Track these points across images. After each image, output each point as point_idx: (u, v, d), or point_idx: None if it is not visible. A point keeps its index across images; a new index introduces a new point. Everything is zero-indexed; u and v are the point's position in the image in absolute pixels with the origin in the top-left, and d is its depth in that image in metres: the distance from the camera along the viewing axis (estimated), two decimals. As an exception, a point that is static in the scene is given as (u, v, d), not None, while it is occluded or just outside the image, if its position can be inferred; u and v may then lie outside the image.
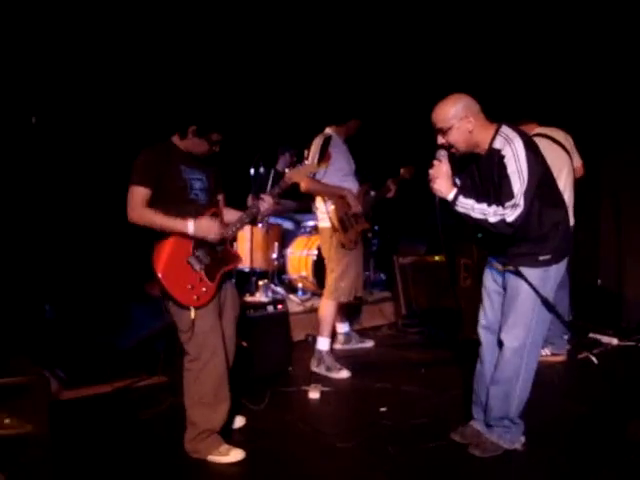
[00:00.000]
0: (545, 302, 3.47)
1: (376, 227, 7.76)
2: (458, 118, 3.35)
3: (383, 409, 4.36)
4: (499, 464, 3.56)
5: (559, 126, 5.41)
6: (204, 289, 3.56)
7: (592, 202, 6.66)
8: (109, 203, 6.25)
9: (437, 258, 7.16)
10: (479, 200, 3.33)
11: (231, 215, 3.92)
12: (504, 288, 3.62)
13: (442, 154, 3.41)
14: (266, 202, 3.85)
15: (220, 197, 4.00)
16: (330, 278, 5.31)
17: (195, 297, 3.51)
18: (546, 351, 5.34)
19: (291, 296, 7.06)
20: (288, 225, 7.84)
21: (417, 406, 4.45)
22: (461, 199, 3.34)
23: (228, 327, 3.82)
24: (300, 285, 7.22)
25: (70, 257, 6.08)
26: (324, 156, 5.02)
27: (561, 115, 5.54)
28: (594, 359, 5.29)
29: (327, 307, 5.31)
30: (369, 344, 6.19)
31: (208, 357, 3.56)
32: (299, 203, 7.59)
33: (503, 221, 3.23)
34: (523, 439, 3.72)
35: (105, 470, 3.52)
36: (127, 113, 6.67)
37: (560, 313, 3.73)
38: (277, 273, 7.33)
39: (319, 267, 6.90)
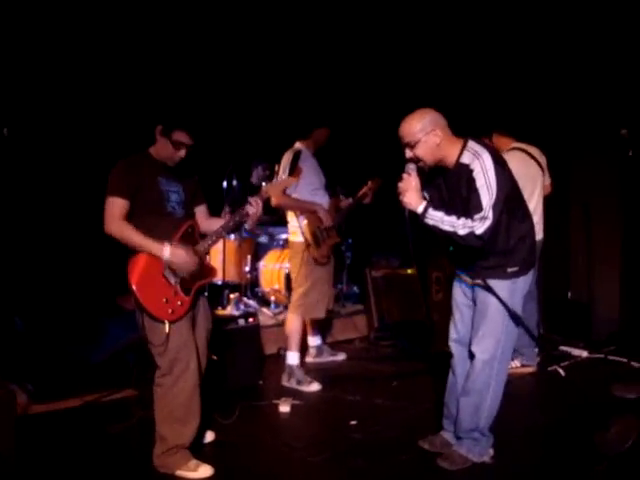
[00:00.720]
0: (513, 314, 3.50)
1: (349, 240, 7.77)
2: (425, 132, 3.38)
3: (354, 422, 4.35)
4: (468, 477, 3.57)
5: (529, 137, 5.51)
6: (179, 303, 3.51)
7: (562, 214, 6.72)
8: (80, 215, 6.26)
9: (409, 271, 7.18)
10: (448, 213, 3.36)
11: (216, 224, 3.85)
12: (474, 301, 3.67)
13: (411, 167, 3.45)
14: (254, 205, 3.75)
15: (201, 208, 3.95)
16: (296, 293, 5.30)
17: (170, 311, 3.45)
18: (516, 362, 5.38)
19: (264, 309, 7.04)
20: (261, 238, 7.84)
21: (388, 419, 4.46)
22: (430, 212, 3.37)
23: (200, 341, 3.75)
24: (273, 298, 7.21)
25: (40, 269, 6.03)
26: (294, 171, 4.98)
27: (529, 125, 5.60)
28: (561, 371, 5.34)
29: (293, 322, 5.29)
30: (341, 357, 6.14)
31: (180, 372, 3.49)
32: (271, 216, 7.61)
33: (472, 233, 3.27)
34: (492, 452, 3.74)
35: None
36: (102, 123, 6.62)
37: (528, 325, 3.76)
38: (250, 286, 7.32)
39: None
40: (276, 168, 5.34)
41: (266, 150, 7.07)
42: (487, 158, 3.31)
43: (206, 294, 4.04)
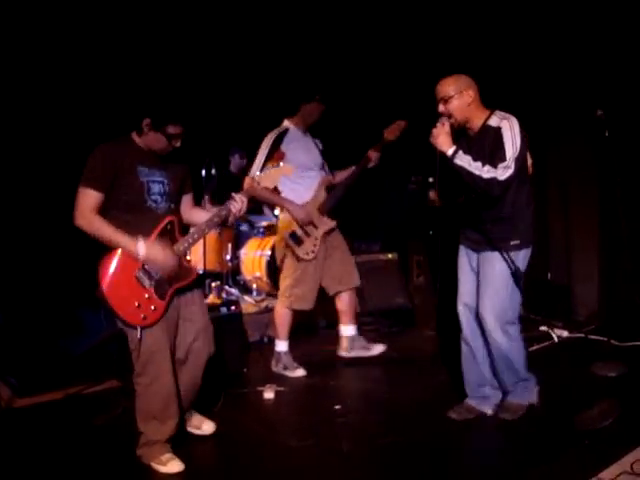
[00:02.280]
0: (516, 283, 3.82)
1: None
2: (459, 90, 3.76)
3: (338, 407, 4.37)
4: (452, 455, 3.61)
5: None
6: (153, 307, 3.34)
7: (540, 196, 6.74)
8: (58, 205, 6.20)
9: (390, 256, 7.20)
10: (475, 160, 3.65)
11: (199, 216, 3.69)
12: (478, 268, 3.96)
13: (444, 119, 3.79)
14: (238, 202, 3.56)
15: (187, 197, 3.76)
16: (283, 284, 5.19)
17: (142, 316, 3.29)
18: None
19: (246, 297, 7.05)
20: (242, 226, 7.84)
21: (371, 403, 4.49)
22: (461, 153, 3.67)
23: (197, 362, 3.66)
24: (254, 286, 7.23)
25: (20, 262, 5.99)
26: (273, 155, 4.90)
27: (505, 106, 5.63)
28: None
29: (281, 313, 5.21)
30: (378, 349, 5.57)
31: (154, 374, 3.41)
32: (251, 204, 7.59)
33: (495, 179, 3.58)
34: (537, 389, 4.10)
35: (56, 479, 3.49)
36: (78, 109, 6.54)
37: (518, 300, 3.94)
38: (231, 274, 7.32)
39: (273, 267, 6.91)
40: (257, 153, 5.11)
41: (243, 136, 7.06)
42: (515, 122, 3.70)
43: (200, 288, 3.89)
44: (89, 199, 3.25)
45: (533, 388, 4.09)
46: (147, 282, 3.33)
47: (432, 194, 5.61)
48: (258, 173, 3.84)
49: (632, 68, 5.86)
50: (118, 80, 6.55)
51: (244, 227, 7.86)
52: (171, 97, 3.53)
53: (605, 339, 5.57)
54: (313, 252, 5.08)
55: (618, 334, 5.58)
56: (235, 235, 7.51)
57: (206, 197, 6.88)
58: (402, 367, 5.29)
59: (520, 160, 3.64)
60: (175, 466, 3.44)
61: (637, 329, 5.52)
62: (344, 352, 5.48)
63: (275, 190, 4.95)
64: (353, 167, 5.29)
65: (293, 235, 5.05)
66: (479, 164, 3.62)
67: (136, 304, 3.27)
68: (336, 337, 5.60)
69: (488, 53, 6.56)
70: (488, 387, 4.10)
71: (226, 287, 6.97)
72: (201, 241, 6.63)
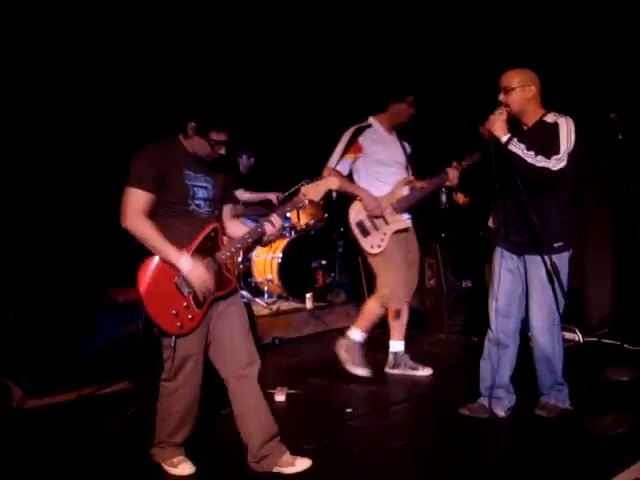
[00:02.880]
0: (560, 285, 3.86)
1: (341, 228, 7.78)
2: (522, 84, 3.84)
3: (349, 410, 4.37)
4: (464, 459, 3.60)
5: None
6: (190, 316, 3.23)
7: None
8: (71, 208, 6.25)
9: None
10: (528, 148, 3.72)
11: (236, 229, 3.57)
12: (523, 271, 4.01)
13: (503, 107, 3.86)
14: (274, 223, 3.41)
15: (227, 207, 3.60)
16: (376, 281, 5.11)
17: (179, 325, 3.20)
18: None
19: (257, 299, 7.06)
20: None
21: (383, 406, 4.48)
22: (515, 141, 3.74)
23: (236, 339, 3.45)
24: (266, 288, 7.23)
25: (32, 263, 6.01)
26: (350, 147, 4.90)
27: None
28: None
29: (371, 307, 5.10)
30: (425, 372, 5.18)
31: (183, 381, 3.34)
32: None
33: (547, 169, 3.68)
34: (568, 401, 4.12)
35: (68, 479, 3.49)
36: (120, 109, 6.57)
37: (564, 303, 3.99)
38: (243, 277, 7.33)
39: (284, 270, 6.92)
40: None
41: (250, 137, 7.05)
42: (572, 121, 3.82)
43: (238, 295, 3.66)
44: (138, 200, 3.14)
45: (566, 393, 4.12)
46: (186, 290, 3.22)
47: (460, 196, 5.61)
48: (303, 183, 3.67)
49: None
50: (168, 82, 6.55)
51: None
52: (217, 103, 3.43)
53: (618, 343, 5.53)
54: (379, 246, 4.97)
55: (631, 338, 5.55)
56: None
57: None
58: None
59: (571, 159, 3.73)
60: (186, 468, 3.45)
61: (651, 333, 5.50)
62: (388, 368, 5.30)
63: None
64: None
65: (360, 224, 5.01)
66: (532, 153, 3.69)
67: (173, 312, 3.19)
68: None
69: (498, 55, 6.54)
70: (503, 390, 4.11)
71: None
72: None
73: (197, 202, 3.29)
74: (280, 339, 6.27)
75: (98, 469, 3.57)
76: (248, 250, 7.40)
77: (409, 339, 5.69)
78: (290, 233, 7.43)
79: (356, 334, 5.12)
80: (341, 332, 6.66)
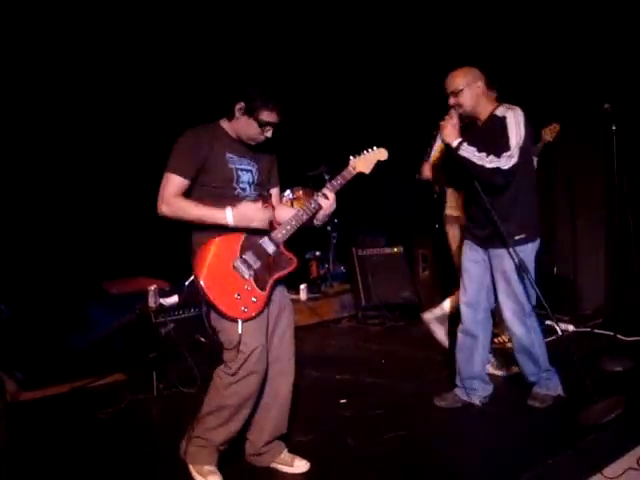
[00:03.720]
0: (527, 276, 3.85)
1: (335, 220, 7.78)
2: (468, 83, 3.84)
3: (343, 401, 4.38)
4: (458, 450, 3.60)
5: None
6: (253, 299, 3.11)
7: (546, 190, 6.72)
8: (64, 200, 6.22)
9: (395, 249, 7.19)
10: (479, 150, 3.71)
11: (285, 213, 3.41)
12: (489, 263, 4.02)
13: (453, 111, 3.88)
14: (329, 198, 3.31)
15: (274, 191, 3.52)
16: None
17: (242, 308, 3.07)
18: (504, 337, 5.42)
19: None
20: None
21: (377, 397, 4.47)
22: (465, 145, 3.73)
23: (283, 338, 3.43)
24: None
25: (25, 256, 5.99)
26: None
27: (514, 99, 5.59)
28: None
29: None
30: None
31: (244, 374, 3.12)
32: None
33: (498, 168, 3.66)
34: (560, 387, 4.15)
35: (62, 472, 3.49)
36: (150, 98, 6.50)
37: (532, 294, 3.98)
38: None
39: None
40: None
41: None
42: (520, 112, 3.78)
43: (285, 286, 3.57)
44: (173, 185, 3.08)
45: (556, 379, 4.15)
46: (246, 272, 3.12)
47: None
48: (351, 158, 3.39)
49: (639, 61, 5.84)
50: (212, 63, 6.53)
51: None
52: (269, 82, 3.26)
53: (611, 334, 5.53)
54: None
55: (624, 329, 5.56)
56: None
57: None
58: (407, 361, 5.28)
59: (524, 151, 3.72)
60: None
61: (644, 324, 5.52)
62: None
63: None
64: None
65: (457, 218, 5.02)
66: (483, 154, 3.68)
67: (236, 295, 3.08)
68: (341, 331, 5.58)
69: (494, 48, 6.54)
70: (478, 380, 4.18)
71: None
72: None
73: (242, 186, 3.22)
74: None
75: (92, 461, 3.58)
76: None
77: (402, 330, 5.72)
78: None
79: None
80: (335, 323, 6.73)
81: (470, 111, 3.89)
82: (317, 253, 7.39)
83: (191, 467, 3.26)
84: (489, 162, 3.66)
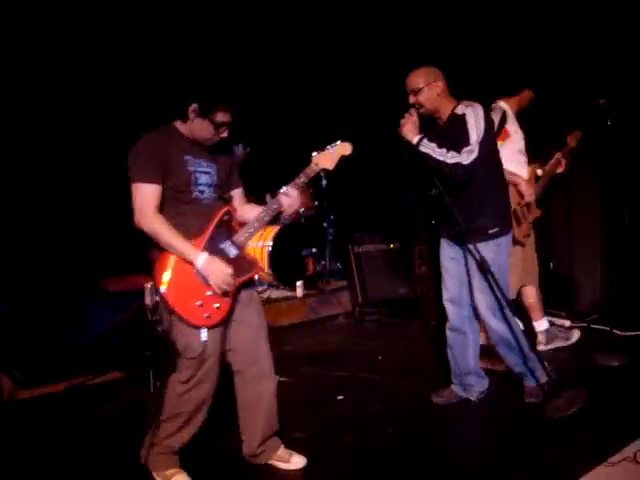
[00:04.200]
0: (501, 269, 3.89)
1: (331, 216, 7.79)
2: (428, 82, 3.84)
3: (340, 397, 4.38)
4: (456, 444, 3.61)
5: None
6: (217, 305, 3.06)
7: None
8: (61, 198, 6.22)
9: (392, 246, 7.20)
10: (440, 147, 3.74)
11: (252, 211, 3.34)
12: (464, 260, 4.01)
13: (413, 110, 3.90)
14: (290, 196, 3.27)
15: (238, 192, 3.46)
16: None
17: (206, 315, 3.02)
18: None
19: (247, 288, 7.04)
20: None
21: (374, 393, 4.48)
22: (425, 141, 3.78)
23: (261, 342, 3.36)
24: (256, 276, 7.20)
25: (22, 253, 5.99)
26: (500, 133, 4.77)
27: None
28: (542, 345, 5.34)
29: (530, 292, 5.20)
30: (575, 336, 5.36)
31: (197, 382, 3.12)
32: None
33: (459, 164, 3.66)
34: (549, 366, 4.02)
35: (60, 469, 3.48)
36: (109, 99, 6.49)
37: (507, 288, 3.98)
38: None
39: (275, 258, 6.91)
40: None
41: (246, 128, 7.02)
42: (479, 107, 3.78)
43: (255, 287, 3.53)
44: (148, 196, 3.00)
45: (540, 366, 4.07)
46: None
47: None
48: (314, 154, 3.33)
49: (635, 56, 5.84)
50: (166, 65, 6.45)
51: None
52: (222, 82, 3.25)
53: (607, 329, 5.56)
54: (529, 235, 5.05)
55: (620, 324, 5.57)
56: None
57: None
58: (404, 357, 5.29)
59: (485, 146, 3.71)
60: None
61: (640, 319, 5.53)
62: (542, 346, 5.21)
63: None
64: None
65: (514, 212, 4.88)
66: (444, 150, 3.71)
67: (198, 303, 3.02)
68: (338, 328, 5.59)
69: (489, 44, 6.54)
70: (473, 376, 4.18)
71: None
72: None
73: (200, 188, 3.15)
74: (270, 327, 6.25)
75: (90, 459, 3.57)
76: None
77: (399, 326, 5.72)
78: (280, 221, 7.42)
79: (542, 325, 5.23)
80: (332, 319, 6.74)
81: (430, 110, 3.90)
82: (313, 250, 7.38)
83: (155, 474, 3.25)
84: (450, 158, 3.68)
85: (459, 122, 3.76)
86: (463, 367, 4.16)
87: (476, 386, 4.18)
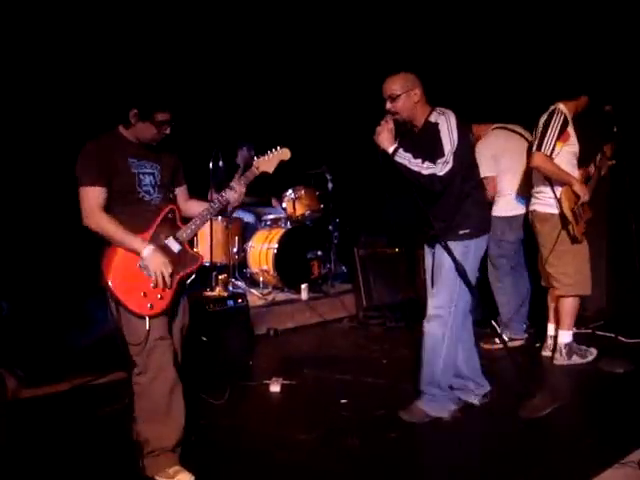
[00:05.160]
0: (464, 274, 3.79)
1: (336, 219, 7.79)
2: (406, 89, 3.82)
3: (344, 401, 4.37)
4: (460, 448, 3.60)
5: (511, 117, 5.63)
6: (159, 296, 3.24)
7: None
8: (64, 198, 6.21)
9: (397, 250, 7.19)
10: (415, 157, 3.76)
11: (196, 207, 3.57)
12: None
13: (389, 116, 3.88)
14: (236, 191, 3.49)
15: (181, 189, 3.63)
16: (559, 270, 5.04)
17: (149, 305, 3.20)
18: (504, 336, 5.44)
19: (252, 290, 7.05)
20: (249, 219, 7.84)
21: (378, 397, 4.48)
22: (401, 151, 3.79)
23: (174, 337, 3.46)
24: (261, 279, 7.23)
25: (26, 253, 6.00)
26: (561, 135, 4.79)
27: (511, 104, 5.60)
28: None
29: (569, 302, 5.07)
30: (592, 356, 5.12)
31: (157, 369, 3.25)
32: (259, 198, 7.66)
33: (434, 175, 3.68)
34: (453, 407, 4.00)
35: (63, 469, 3.48)
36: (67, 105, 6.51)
37: (475, 289, 3.91)
38: (238, 267, 7.33)
39: (280, 260, 6.92)
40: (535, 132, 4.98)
41: (251, 130, 7.05)
42: (452, 116, 3.77)
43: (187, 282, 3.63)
44: (93, 197, 3.19)
45: (445, 403, 4.00)
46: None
47: None
48: (255, 158, 3.63)
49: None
50: (100, 75, 6.49)
51: (251, 219, 7.87)
52: (155, 85, 3.47)
53: (612, 335, 5.55)
54: (585, 234, 5.03)
55: (626, 330, 5.56)
56: (242, 228, 7.51)
57: (212, 189, 6.86)
58: (408, 362, 5.27)
59: (460, 154, 3.71)
60: (184, 479, 3.27)
61: (645, 326, 5.51)
62: (561, 360, 5.09)
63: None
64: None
65: (573, 212, 4.91)
66: (419, 161, 3.72)
67: (141, 293, 3.20)
68: (342, 331, 5.58)
69: (493, 49, 6.55)
70: (471, 382, 4.18)
71: (232, 280, 6.97)
72: (208, 234, 6.63)
73: (145, 189, 3.33)
74: (275, 330, 6.26)
75: (93, 458, 3.57)
76: (244, 240, 7.41)
77: (403, 330, 5.70)
78: (285, 224, 7.43)
79: (568, 336, 5.10)
80: (336, 323, 6.74)
81: (406, 117, 3.89)
82: (319, 253, 7.39)
83: (157, 477, 3.28)
84: (425, 169, 3.69)
85: (433, 130, 3.77)
86: (459, 372, 4.11)
87: (476, 389, 4.17)
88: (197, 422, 3.88)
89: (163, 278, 3.23)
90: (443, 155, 3.67)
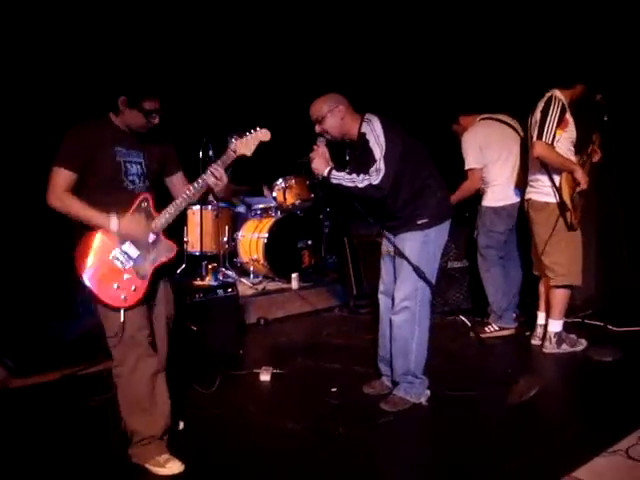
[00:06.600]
0: (425, 264, 3.90)
1: (327, 209, 7.78)
2: (330, 109, 3.91)
3: (334, 389, 4.37)
4: (450, 434, 3.61)
5: (501, 107, 5.65)
6: (133, 288, 3.22)
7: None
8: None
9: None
10: (350, 172, 3.87)
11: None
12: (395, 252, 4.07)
13: (321, 140, 4.00)
14: (216, 176, 3.37)
15: (177, 176, 3.59)
16: (553, 260, 5.00)
17: (122, 297, 3.18)
18: (494, 326, 5.47)
19: (243, 279, 7.05)
20: (239, 208, 7.83)
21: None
22: (334, 173, 3.89)
23: (160, 329, 3.48)
24: (251, 268, 7.22)
25: (14, 245, 5.96)
26: (561, 123, 4.76)
27: (499, 96, 5.60)
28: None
29: (560, 292, 5.06)
30: (582, 346, 5.13)
31: (135, 360, 3.25)
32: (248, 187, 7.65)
33: (370, 185, 3.75)
34: (428, 393, 4.09)
35: (52, 458, 3.48)
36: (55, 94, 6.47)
37: (431, 280, 3.94)
38: (228, 257, 7.32)
39: (270, 250, 6.91)
40: (534, 118, 4.92)
41: (241, 119, 7.01)
42: (376, 122, 3.82)
43: (171, 273, 3.73)
44: (61, 179, 3.17)
45: (421, 388, 4.08)
46: (125, 263, 3.23)
47: None
48: (233, 140, 3.47)
49: (632, 51, 5.83)
50: (94, 61, 6.44)
51: (241, 209, 7.86)
52: (144, 73, 3.44)
53: (602, 324, 5.58)
54: (581, 222, 4.98)
55: (615, 319, 5.59)
56: (232, 217, 7.50)
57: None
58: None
59: (395, 155, 3.77)
60: (175, 467, 3.27)
61: (634, 314, 5.53)
62: (550, 348, 5.10)
63: None
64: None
65: (572, 199, 4.86)
66: (353, 176, 3.81)
67: (115, 286, 3.18)
68: (332, 320, 5.58)
69: (481, 43, 6.56)
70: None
71: (223, 269, 6.96)
72: (198, 223, 6.62)
73: (130, 178, 3.30)
74: (265, 319, 6.26)
75: (82, 448, 3.57)
76: (234, 230, 7.41)
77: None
78: (276, 213, 7.43)
79: (558, 325, 5.10)
80: (326, 312, 6.75)
81: (338, 135, 3.97)
82: (309, 242, 7.38)
83: (148, 465, 3.30)
84: (360, 182, 3.77)
85: (363, 141, 3.83)
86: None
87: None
88: (187, 411, 3.90)
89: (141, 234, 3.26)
90: (375, 162, 3.74)
